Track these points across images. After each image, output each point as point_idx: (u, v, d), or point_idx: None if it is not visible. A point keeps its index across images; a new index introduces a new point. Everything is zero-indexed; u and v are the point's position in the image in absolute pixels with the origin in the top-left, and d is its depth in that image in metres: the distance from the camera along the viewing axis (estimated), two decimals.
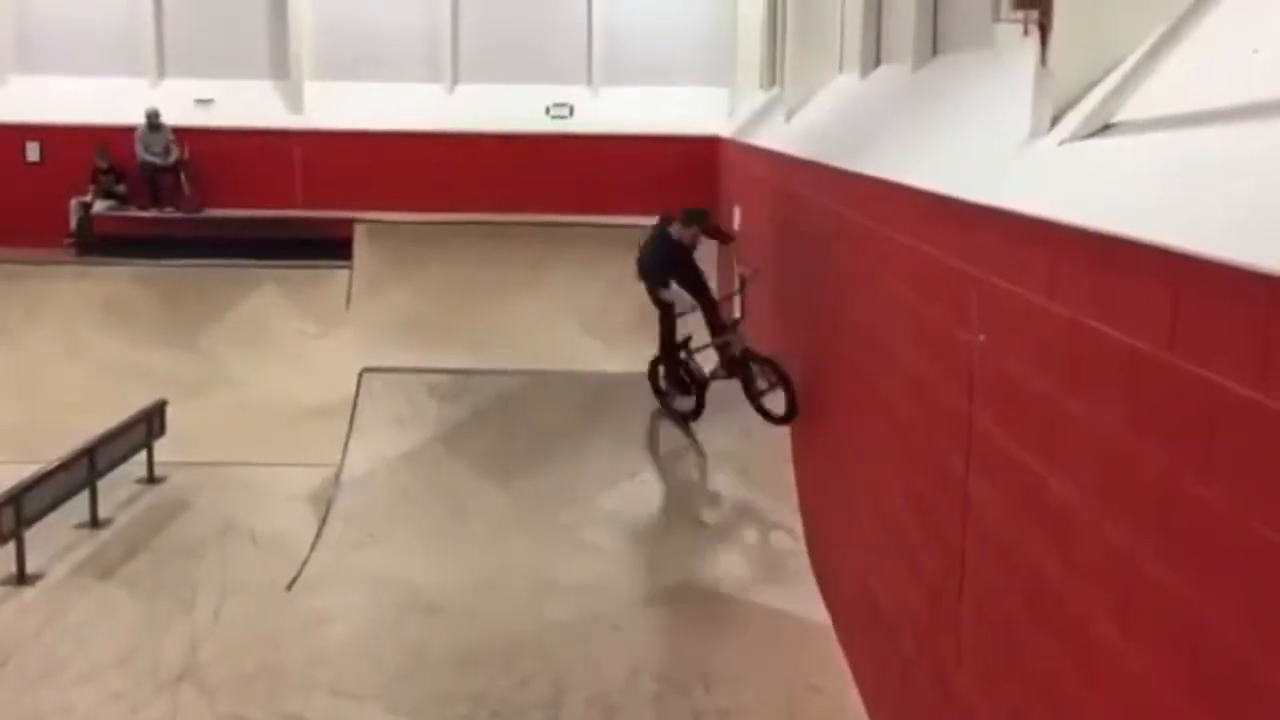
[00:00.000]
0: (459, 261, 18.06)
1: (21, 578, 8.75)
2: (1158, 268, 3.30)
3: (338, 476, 10.24)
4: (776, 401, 9.61)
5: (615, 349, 16.23)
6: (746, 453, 10.07)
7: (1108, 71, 4.53)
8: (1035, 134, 4.85)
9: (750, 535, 9.34)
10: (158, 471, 11.09)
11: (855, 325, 7.89)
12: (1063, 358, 4.07)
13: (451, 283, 17.88)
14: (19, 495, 8.80)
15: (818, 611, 8.24)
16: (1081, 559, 3.86)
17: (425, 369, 11.38)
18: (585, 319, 17.35)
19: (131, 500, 10.53)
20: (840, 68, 11.90)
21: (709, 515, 9.60)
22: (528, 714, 6.98)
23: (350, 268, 18.04)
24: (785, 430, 9.96)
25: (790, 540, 9.24)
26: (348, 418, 10.79)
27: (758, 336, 13.03)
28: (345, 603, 8.60)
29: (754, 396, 9.81)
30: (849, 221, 8.07)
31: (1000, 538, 4.71)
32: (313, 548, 9.36)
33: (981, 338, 4.96)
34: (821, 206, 9.23)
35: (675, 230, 10.10)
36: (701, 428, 10.49)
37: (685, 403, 10.55)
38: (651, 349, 16.28)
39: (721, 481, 10.00)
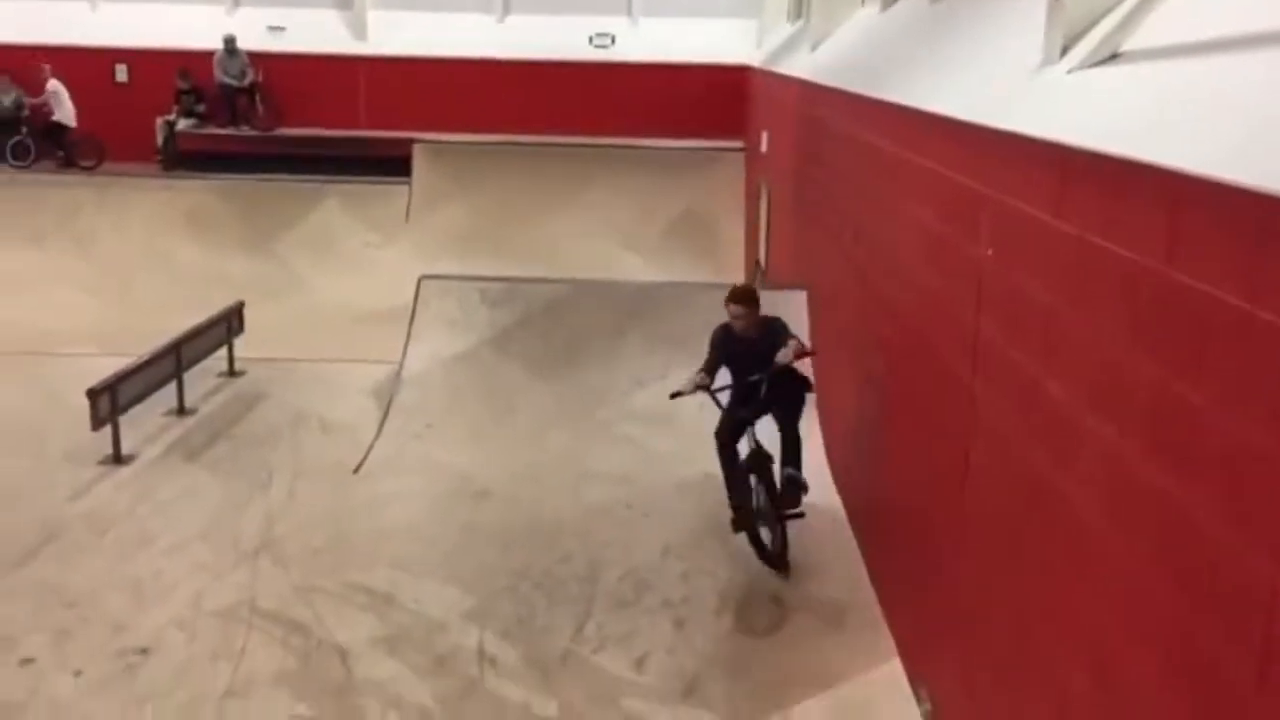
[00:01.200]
0: (508, 179, 17.96)
1: (118, 458, 8.86)
2: (1159, 188, 3.23)
3: (398, 373, 10.28)
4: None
5: (649, 261, 16.19)
6: None
7: (1116, 3, 4.41)
8: (1046, 62, 4.74)
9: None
10: (237, 366, 11.17)
11: (872, 242, 7.81)
12: (1066, 272, 4.01)
13: (501, 199, 17.81)
14: (114, 385, 8.90)
15: (834, 502, 8.27)
16: (1077, 457, 3.84)
17: (477, 277, 11.35)
18: (622, 233, 17.27)
19: (214, 391, 10.62)
20: (863, 1, 11.66)
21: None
22: (567, 586, 7.05)
23: (409, 184, 17.96)
24: (805, 335, 9.88)
25: (809, 436, 9.22)
26: (406, 320, 10.81)
27: (779, 260, 12.88)
28: (404, 486, 8.69)
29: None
30: (868, 145, 7.95)
31: (1002, 437, 4.69)
32: (376, 436, 9.44)
33: (990, 253, 4.89)
34: (843, 131, 9.10)
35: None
36: None
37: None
38: (683, 261, 16.28)
39: None
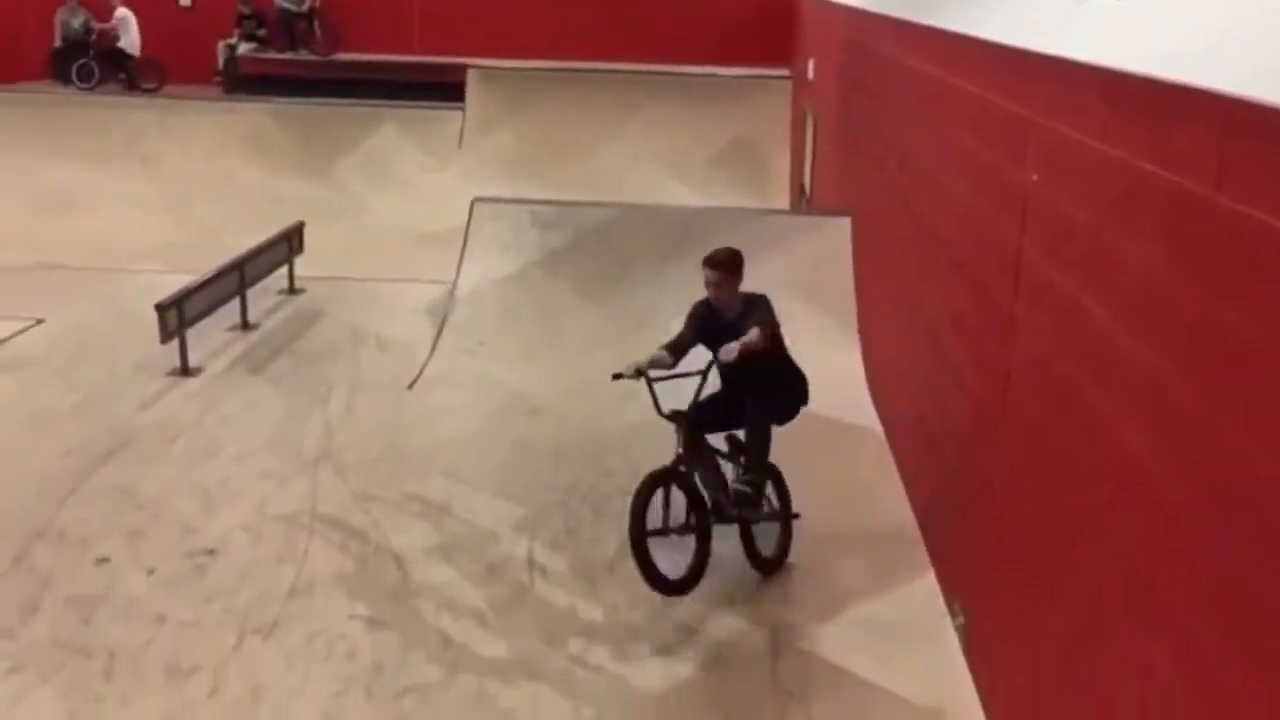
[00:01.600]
0: (558, 106, 17.83)
1: (185, 370, 8.99)
2: (1208, 112, 3.15)
3: (451, 293, 10.33)
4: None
5: (696, 188, 16.07)
6: (814, 281, 9.95)
7: None
8: None
9: (811, 345, 9.26)
10: (297, 284, 11.25)
11: (917, 168, 7.70)
12: (1112, 196, 3.94)
13: (551, 126, 17.71)
14: (181, 300, 9.00)
15: (872, 422, 8.26)
16: (1117, 378, 3.80)
17: (529, 200, 11.34)
18: (670, 161, 17.13)
19: (275, 308, 10.72)
20: None
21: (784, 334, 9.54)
22: (612, 499, 7.10)
23: (462, 109, 17.88)
24: (848, 259, 9.81)
25: (851, 360, 9.20)
26: (459, 242, 10.83)
27: (824, 186, 12.72)
28: (458, 402, 8.77)
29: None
30: (914, 71, 7.81)
31: (1043, 359, 4.65)
32: (430, 353, 9.51)
33: (1035, 177, 4.81)
34: (889, 57, 8.93)
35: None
36: (769, 258, 10.29)
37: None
38: (729, 188, 16.13)
39: (791, 307, 9.89)
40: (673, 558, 5.84)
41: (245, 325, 10.10)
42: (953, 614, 5.76)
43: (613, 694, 5.34)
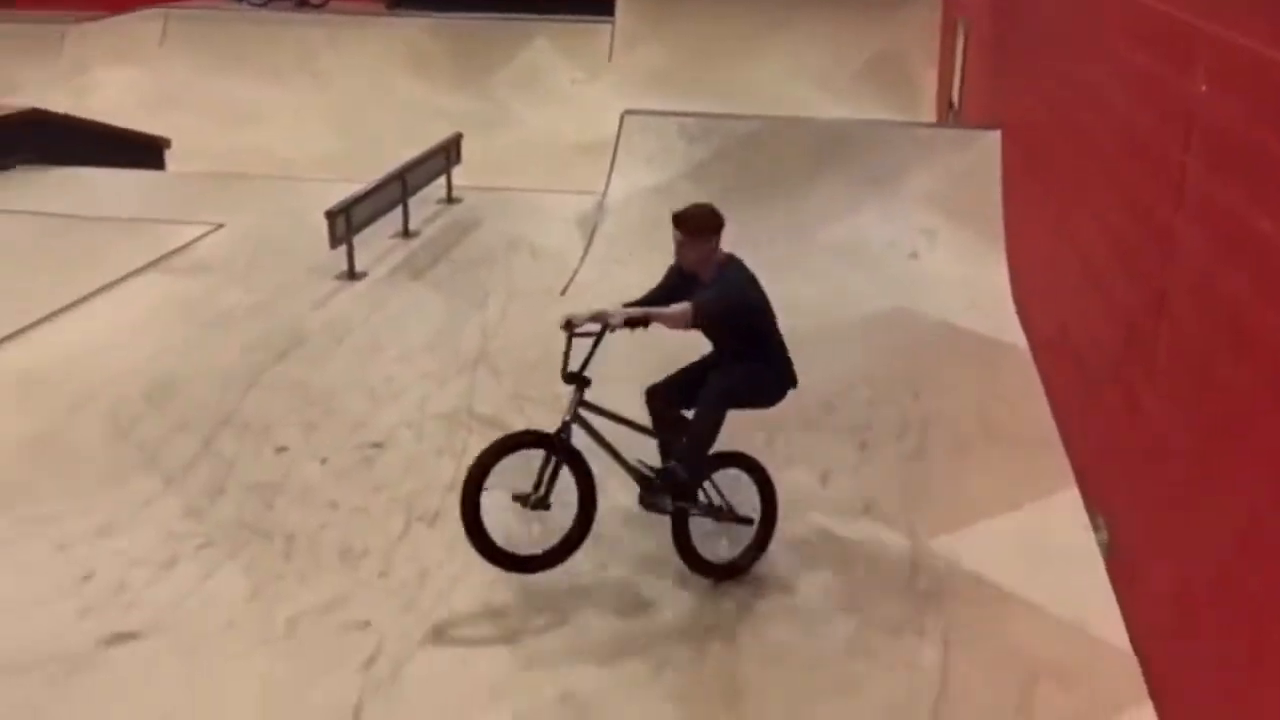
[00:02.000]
0: (706, 21, 17.56)
1: (352, 274, 9.24)
2: None
3: (600, 203, 10.35)
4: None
5: (842, 101, 15.70)
6: (958, 195, 9.66)
7: None
8: None
9: (957, 261, 9.03)
10: (455, 194, 11.41)
11: (1074, 81, 7.35)
12: None
13: (699, 40, 17.46)
14: (349, 208, 9.22)
15: (1017, 338, 8.04)
16: None
17: (677, 112, 11.22)
18: (816, 74, 16.76)
19: (434, 216, 10.89)
20: None
21: (923, 250, 9.34)
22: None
23: (612, 24, 17.73)
24: (997, 174, 9.48)
25: (997, 276, 8.94)
26: (608, 154, 10.82)
27: (974, 100, 12.22)
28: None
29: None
30: None
31: (1205, 276, 4.43)
32: (580, 262, 9.57)
33: (1203, 88, 4.54)
34: None
35: None
36: (915, 172, 10.00)
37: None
38: (876, 102, 15.68)
39: (934, 220, 9.67)
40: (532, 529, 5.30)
41: (406, 233, 10.30)
42: (1095, 528, 5.62)
43: (751, 592, 5.38)
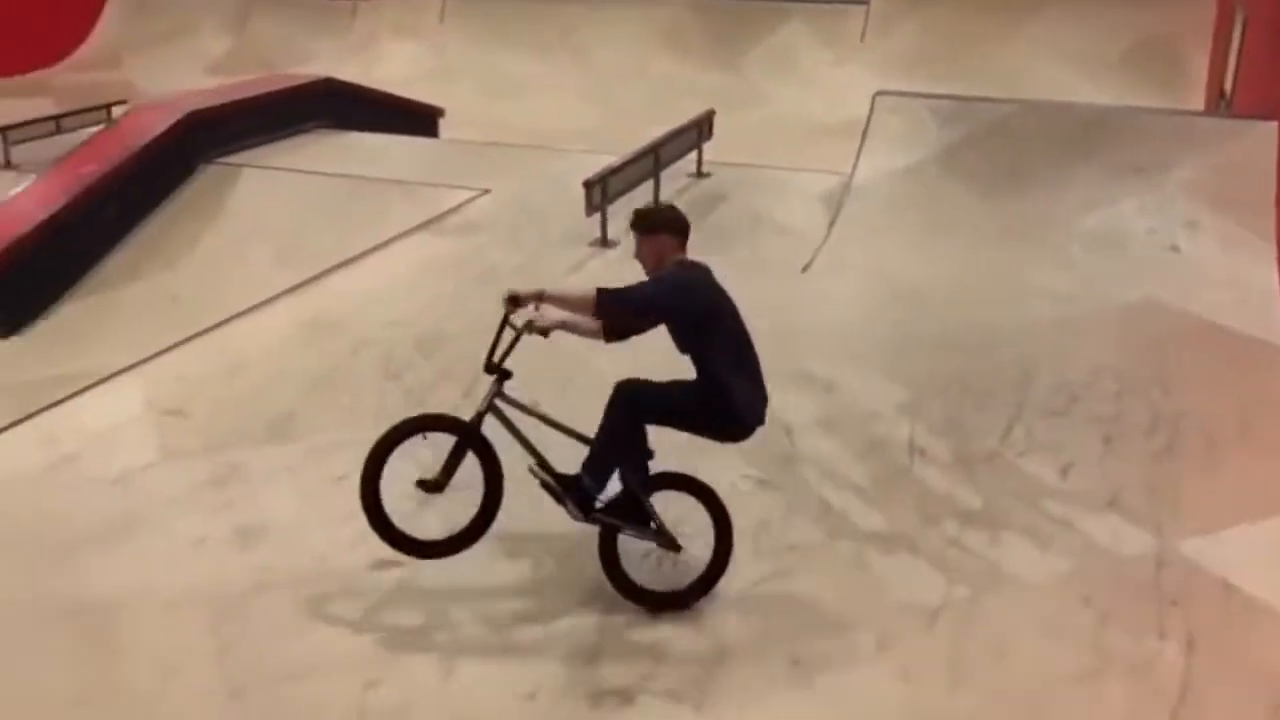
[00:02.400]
0: (962, 2, 16.94)
1: (605, 241, 9.44)
2: None
3: (847, 183, 10.17)
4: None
5: (1103, 87, 14.86)
6: (1226, 188, 8.98)
7: None
8: None
9: (1221, 255, 8.37)
10: (705, 168, 11.46)
11: None
12: None
13: (956, 20, 16.88)
14: (605, 179, 9.43)
15: None
16: None
17: (930, 94, 10.88)
18: (1075, 58, 15.91)
19: (684, 190, 10.96)
20: None
21: (1183, 242, 8.73)
22: (997, 393, 6.83)
23: (866, 5, 17.36)
24: (1271, 167, 8.74)
25: (1264, 275, 8.27)
26: (855, 135, 10.61)
27: (1249, 90, 11.32)
28: (847, 287, 8.67)
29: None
30: None
31: None
32: (824, 239, 9.45)
33: None
34: None
35: None
36: (1180, 162, 9.32)
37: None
38: (1140, 89, 14.70)
39: (1198, 212, 9.01)
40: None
41: (657, 204, 10.41)
42: None
43: (986, 577, 5.23)
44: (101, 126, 12.47)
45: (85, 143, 11.30)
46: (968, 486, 5.94)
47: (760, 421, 4.82)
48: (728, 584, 5.13)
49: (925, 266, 8.90)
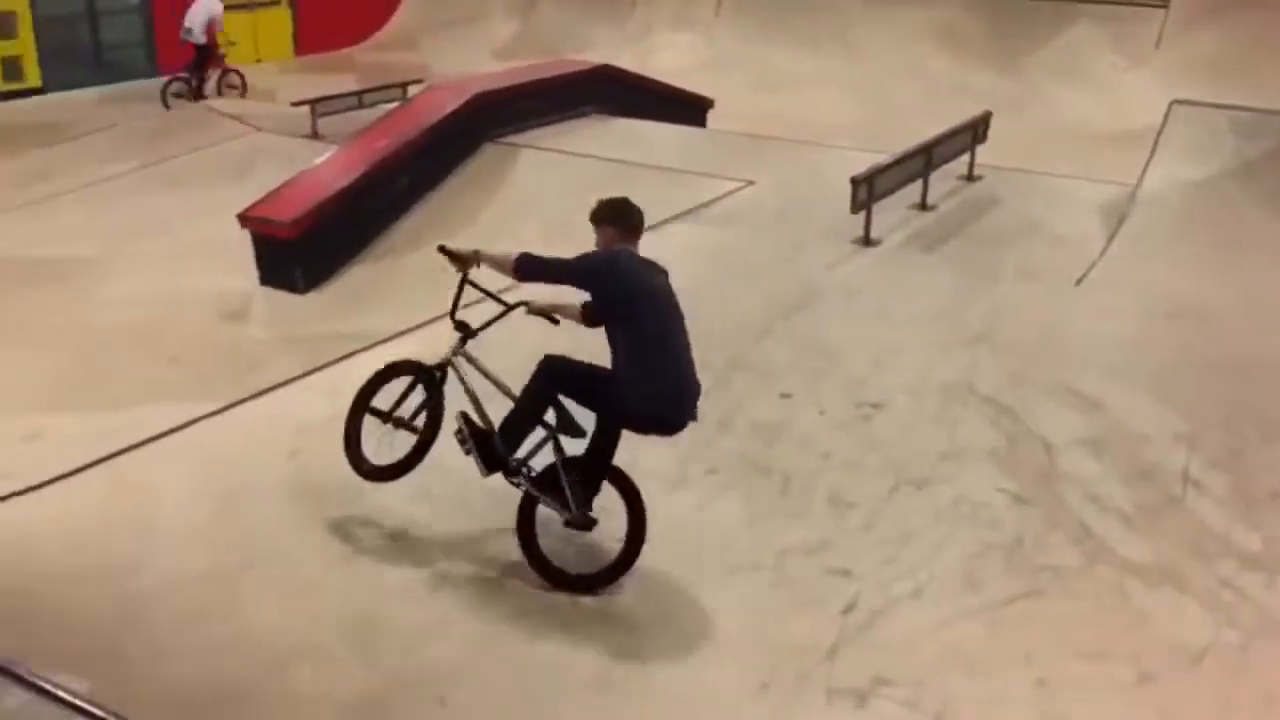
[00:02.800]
0: (1272, 11, 15.63)
1: (867, 240, 9.28)
2: None
3: (1132, 194, 9.61)
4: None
5: None
6: None
7: None
8: None
9: None
10: (976, 171, 11.08)
11: None
12: None
13: (1259, 30, 15.59)
14: (873, 177, 9.27)
15: None
16: None
17: (1232, 105, 10.12)
18: None
19: (952, 192, 10.65)
20: None
21: None
22: None
23: (1164, 8, 16.31)
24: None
25: None
26: (1143, 145, 10.02)
27: None
28: (1123, 303, 8.18)
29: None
30: None
31: None
32: (1102, 252, 8.96)
33: None
34: None
35: None
36: None
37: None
38: None
39: None
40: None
41: (924, 205, 10.16)
42: None
43: (1260, 622, 4.87)
44: (397, 103, 13.26)
45: (382, 118, 12.05)
46: (1246, 525, 5.53)
47: (662, 413, 4.93)
48: (973, 595, 5.00)
49: (1212, 286, 8.31)
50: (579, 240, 9.31)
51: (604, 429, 5.02)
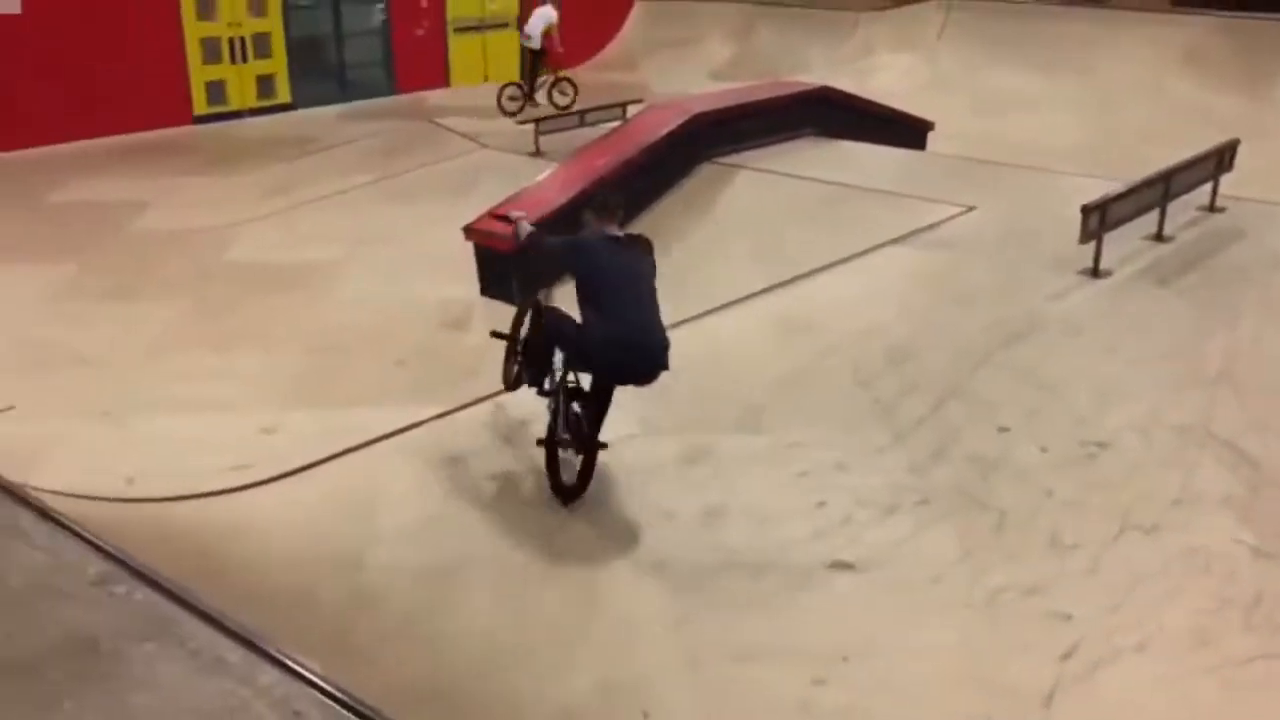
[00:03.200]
0: None
1: (1096, 271, 8.88)
2: None
3: None
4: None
5: None
6: None
7: None
8: None
9: None
10: (1219, 202, 10.44)
11: None
12: None
13: None
14: (1105, 205, 8.86)
15: None
16: None
17: None
18: None
19: (1191, 223, 10.07)
20: None
21: None
22: None
23: None
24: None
25: None
26: None
27: None
28: None
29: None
30: None
31: None
32: None
33: None
34: None
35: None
36: None
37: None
38: None
39: None
40: None
41: (1159, 237, 9.64)
42: None
43: None
44: (618, 122, 13.57)
45: (603, 136, 12.36)
46: None
47: (618, 362, 5.74)
48: (1205, 653, 4.70)
49: None
50: (790, 261, 9.40)
51: (548, 331, 6.15)
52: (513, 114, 16.07)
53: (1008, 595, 5.17)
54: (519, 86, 16.91)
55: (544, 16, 16.91)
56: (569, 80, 17.31)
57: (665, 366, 5.78)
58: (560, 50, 17.20)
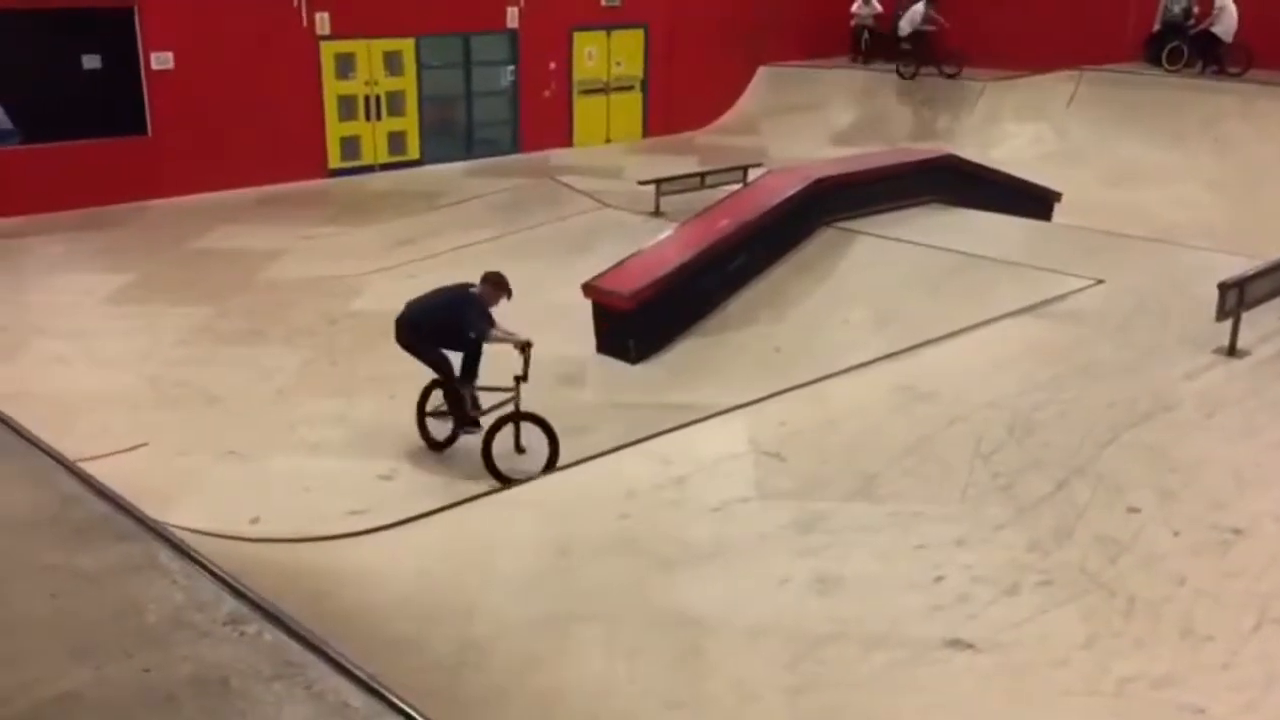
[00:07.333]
0: None
1: (1232, 350, 8.55)
2: None
3: None
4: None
5: None
6: None
7: None
8: None
9: None
10: None
11: None
12: None
13: None
14: (1244, 282, 8.58)
15: None
16: None
17: None
18: None
19: None
20: None
21: None
22: None
23: None
24: None
25: None
26: None
27: None
28: None
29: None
30: None
31: None
32: None
33: None
34: None
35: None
36: None
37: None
38: None
39: None
40: None
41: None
42: None
43: None
44: (738, 185, 13.65)
45: (723, 199, 12.45)
46: None
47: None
48: None
49: None
50: (910, 328, 9.29)
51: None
52: None
53: (1137, 685, 4.95)
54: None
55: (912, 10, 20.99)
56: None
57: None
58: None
